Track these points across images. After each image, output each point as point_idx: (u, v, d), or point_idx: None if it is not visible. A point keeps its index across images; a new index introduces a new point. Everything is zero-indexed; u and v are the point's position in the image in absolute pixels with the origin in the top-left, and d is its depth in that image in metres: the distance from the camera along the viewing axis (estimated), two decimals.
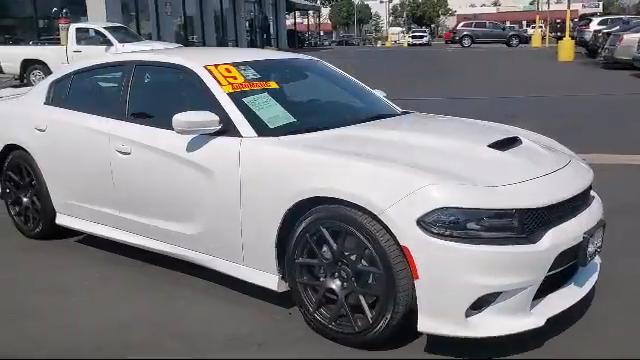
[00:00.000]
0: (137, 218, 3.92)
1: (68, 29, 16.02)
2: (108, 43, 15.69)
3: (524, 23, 79.55)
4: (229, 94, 3.59)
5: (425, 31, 60.62)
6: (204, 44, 26.22)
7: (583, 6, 78.43)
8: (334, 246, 2.98)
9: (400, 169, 2.84)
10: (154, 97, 4.11)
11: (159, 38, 22.38)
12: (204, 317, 3.43)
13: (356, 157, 3.00)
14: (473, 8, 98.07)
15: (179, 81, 3.95)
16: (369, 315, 2.90)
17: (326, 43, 62.00)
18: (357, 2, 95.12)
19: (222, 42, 30.22)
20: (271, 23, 36.26)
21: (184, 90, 3.96)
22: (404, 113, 4.22)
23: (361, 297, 2.94)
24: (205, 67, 3.75)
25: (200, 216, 3.53)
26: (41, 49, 16.54)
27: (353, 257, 2.94)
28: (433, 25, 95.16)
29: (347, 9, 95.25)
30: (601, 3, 79.77)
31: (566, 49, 24.23)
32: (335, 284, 3.03)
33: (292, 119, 3.58)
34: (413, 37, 54.27)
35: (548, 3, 45.30)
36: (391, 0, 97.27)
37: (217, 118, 3.41)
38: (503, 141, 3.35)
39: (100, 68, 4.40)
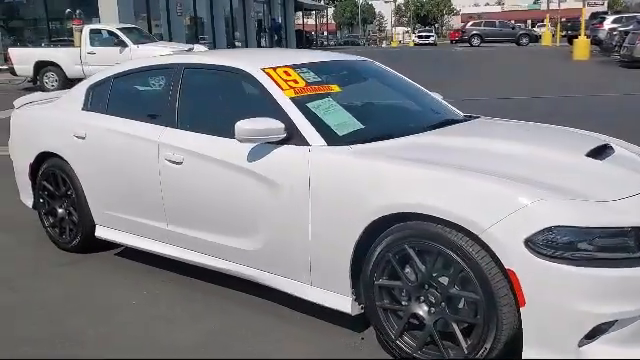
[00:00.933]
0: (188, 232, 3.65)
1: (82, 30, 15.77)
2: (122, 44, 15.43)
3: (529, 22, 79.15)
4: (292, 99, 3.31)
5: (431, 31, 60.37)
6: (214, 45, 25.95)
7: (588, 4, 77.95)
8: (422, 267, 2.70)
9: (504, 183, 2.55)
10: (207, 102, 3.83)
11: (170, 39, 22.15)
12: (272, 340, 3.15)
13: (448, 169, 2.72)
14: (477, 7, 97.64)
15: (235, 85, 3.67)
16: (464, 344, 2.62)
17: (332, 43, 61.66)
18: (361, 2, 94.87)
19: (232, 43, 29.98)
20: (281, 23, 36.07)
21: (240, 95, 3.68)
22: (468, 117, 3.95)
23: (454, 324, 2.66)
24: (263, 70, 3.48)
25: (262, 231, 3.26)
26: (54, 51, 16.29)
27: (444, 280, 2.66)
28: (437, 25, 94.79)
29: (351, 9, 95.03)
30: (606, 1, 79.26)
31: (581, 48, 23.98)
32: (421, 309, 2.76)
33: (360, 125, 3.31)
34: (419, 37, 54.00)
35: (548, 3, 44.81)
36: (396, 0, 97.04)
37: (282, 125, 3.14)
38: (597, 149, 3.06)
39: (143, 71, 4.12)
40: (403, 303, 2.83)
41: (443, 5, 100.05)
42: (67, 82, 15.86)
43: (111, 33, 15.73)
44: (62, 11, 21.63)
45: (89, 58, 15.57)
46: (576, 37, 35.87)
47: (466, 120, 3.78)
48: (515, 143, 3.19)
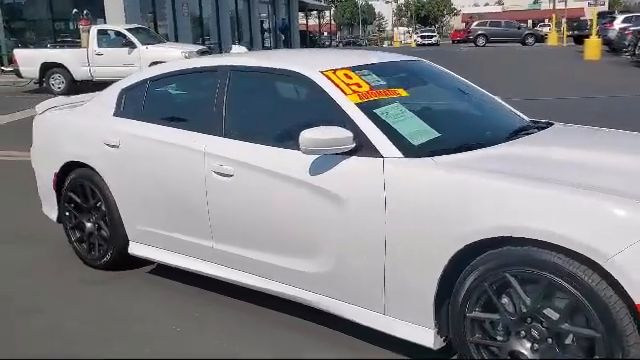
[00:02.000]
0: (238, 251, 3.31)
1: (89, 31, 15.41)
2: (131, 45, 15.07)
3: (529, 22, 78.95)
4: (358, 105, 2.98)
5: (434, 31, 60.09)
6: (220, 46, 25.58)
7: (589, 4, 77.72)
8: (526, 299, 2.36)
9: (628, 205, 2.21)
10: (258, 109, 3.48)
11: (176, 39, 21.81)
12: None
13: (554, 185, 2.37)
14: (477, 7, 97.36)
15: (290, 90, 3.35)
16: None
17: (334, 44, 61.28)
18: (361, 3, 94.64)
19: (239, 43, 29.61)
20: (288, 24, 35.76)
21: (296, 101, 3.36)
22: (534, 122, 3.60)
23: None
24: (322, 73, 3.14)
25: (325, 252, 2.92)
26: (60, 52, 15.91)
27: (553, 314, 2.33)
28: (437, 25, 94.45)
29: (351, 10, 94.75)
30: (606, 1, 78.93)
31: (593, 48, 23.63)
32: (523, 346, 2.42)
33: (435, 134, 2.97)
34: (422, 37, 53.66)
35: (554, 2, 44.46)
36: (397, 0, 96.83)
37: (351, 135, 2.80)
38: None
39: (183, 74, 3.77)
40: (499, 338, 2.49)
41: (443, 5, 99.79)
42: (74, 84, 15.56)
43: (119, 34, 15.38)
44: (66, 12, 21.33)
45: (96, 59, 15.22)
46: (583, 37, 35.78)
47: (542, 127, 3.43)
48: (611, 154, 2.84)
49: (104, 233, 4.08)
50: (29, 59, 15.68)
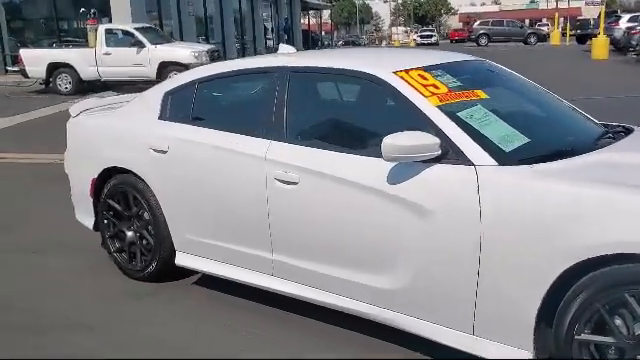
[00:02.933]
0: (302, 264, 3.10)
1: (97, 30, 15.16)
2: (140, 45, 14.81)
3: (527, 22, 78.88)
4: (439, 108, 2.77)
5: (433, 30, 60.02)
6: (224, 46, 25.36)
7: (586, 4, 77.57)
8: None
9: None
10: (325, 112, 3.28)
11: (181, 39, 21.54)
12: None
13: None
14: (473, 7, 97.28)
15: (359, 92, 3.14)
16: None
17: (333, 43, 60.98)
18: (359, 2, 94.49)
19: (242, 43, 29.41)
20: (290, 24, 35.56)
21: (366, 103, 3.14)
22: (606, 125, 3.40)
23: None
24: (396, 74, 2.94)
25: (405, 267, 2.72)
26: (67, 52, 15.65)
27: None
28: (434, 24, 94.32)
29: (348, 9, 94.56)
30: (604, 1, 78.89)
31: (600, 47, 23.47)
32: None
33: (524, 139, 2.76)
34: (421, 37, 53.65)
35: (557, 1, 44.31)
36: None
37: (438, 141, 2.60)
38: None
39: (236, 75, 3.55)
40: None
41: (441, 5, 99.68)
42: (81, 84, 15.32)
43: (127, 33, 15.12)
44: (70, 10, 21.08)
45: (104, 59, 14.97)
46: (585, 36, 35.65)
47: (621, 131, 3.22)
48: None
49: (147, 243, 3.87)
50: (36, 59, 15.42)
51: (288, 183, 3.03)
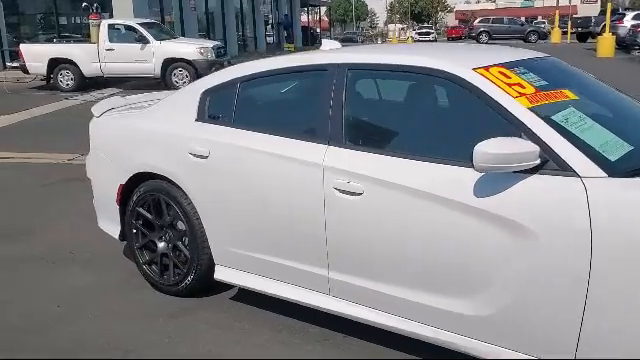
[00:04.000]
0: (364, 283, 2.79)
1: (99, 26, 14.76)
2: (144, 40, 14.42)
3: (522, 19, 78.66)
4: (532, 110, 2.45)
5: (431, 27, 59.86)
6: (225, 42, 24.93)
7: (582, 2, 77.33)
8: None
9: None
10: (392, 114, 2.96)
11: (182, 34, 21.13)
12: None
13: None
14: (469, 5, 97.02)
15: (430, 91, 2.82)
16: None
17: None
18: None
19: (243, 39, 29.01)
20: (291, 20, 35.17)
21: (440, 104, 2.82)
22: None
23: None
24: (475, 71, 2.62)
25: (494, 292, 2.40)
26: (69, 47, 15.22)
27: None
28: (430, 21, 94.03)
29: (344, 6, 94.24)
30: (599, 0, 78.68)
31: (606, 45, 23.24)
32: None
33: (628, 146, 2.45)
34: (419, 34, 53.42)
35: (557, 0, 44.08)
36: None
37: (537, 149, 2.28)
38: None
39: (283, 73, 3.21)
40: None
41: (437, 2, 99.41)
42: (83, 80, 14.94)
43: (131, 28, 14.71)
44: (69, 5, 20.65)
45: (107, 55, 14.58)
46: (586, 34, 35.39)
47: None
48: None
49: (182, 255, 3.55)
50: (36, 55, 15.00)
51: (351, 194, 2.71)
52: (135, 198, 3.66)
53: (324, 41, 3.70)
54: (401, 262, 2.64)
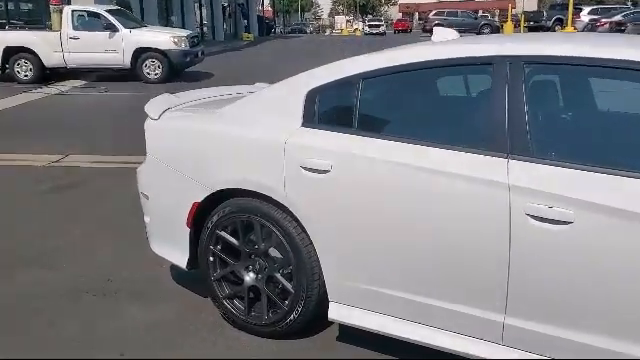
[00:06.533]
0: (557, 331, 2.25)
1: (62, 12, 13.61)
2: (112, 29, 13.37)
3: (479, 12, 79.73)
4: None
5: (381, 20, 59.86)
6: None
7: None
8: None
9: None
10: (595, 119, 2.40)
11: (142, 20, 19.98)
12: None
13: None
14: None
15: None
16: None
17: (279, 31, 59.47)
18: None
19: (201, 28, 27.91)
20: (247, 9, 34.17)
21: None
22: None
23: None
24: None
25: None
26: (27, 35, 13.92)
27: None
28: (375, 14, 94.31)
29: None
30: None
31: None
32: None
33: None
34: (370, 26, 53.36)
35: None
36: None
37: None
38: None
39: (426, 68, 2.59)
40: None
41: None
42: (43, 71, 13.76)
43: (97, 15, 13.62)
44: None
45: (71, 44, 13.47)
46: (538, 29, 35.88)
47: None
48: None
49: (280, 288, 2.93)
50: None
51: (554, 222, 2.16)
52: (216, 219, 3.00)
53: (437, 29, 3.11)
54: (623, 304, 2.12)
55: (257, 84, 4.18)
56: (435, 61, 2.59)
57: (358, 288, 2.69)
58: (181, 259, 3.22)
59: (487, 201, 2.29)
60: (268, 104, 3.00)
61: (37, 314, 3.27)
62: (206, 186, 3.00)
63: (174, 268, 3.77)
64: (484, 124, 2.41)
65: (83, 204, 5.22)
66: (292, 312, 2.88)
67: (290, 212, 2.77)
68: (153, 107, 3.35)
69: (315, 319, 2.90)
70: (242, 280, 3.04)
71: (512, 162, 2.28)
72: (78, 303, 3.40)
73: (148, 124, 3.30)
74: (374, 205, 2.55)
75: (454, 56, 2.56)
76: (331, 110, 2.80)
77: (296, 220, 2.78)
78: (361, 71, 2.73)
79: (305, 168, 2.68)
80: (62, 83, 13.56)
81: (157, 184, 3.27)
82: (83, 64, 13.63)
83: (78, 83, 13.58)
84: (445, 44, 2.73)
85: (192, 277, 3.45)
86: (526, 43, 2.55)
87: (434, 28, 3.22)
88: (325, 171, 2.63)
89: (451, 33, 3.13)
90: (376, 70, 2.70)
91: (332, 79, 2.80)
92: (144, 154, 3.29)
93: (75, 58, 13.52)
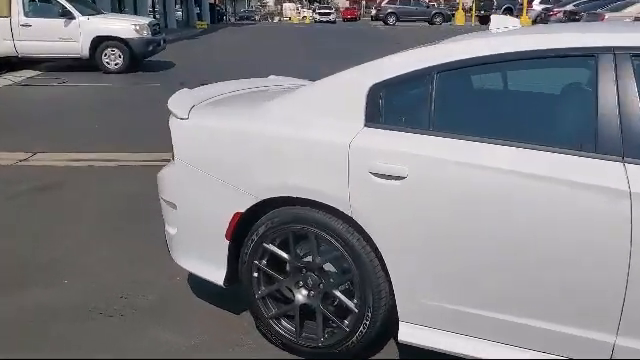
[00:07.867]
0: None
1: None
2: (68, 15, 12.57)
3: (426, 2, 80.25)
4: None
5: (331, 8, 59.63)
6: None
7: None
8: None
9: None
10: None
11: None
12: None
13: None
14: None
15: None
16: None
17: (230, 18, 58.35)
18: None
19: (154, 16, 26.93)
20: None
21: None
22: None
23: None
24: None
25: None
26: None
27: None
28: (323, 2, 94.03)
29: None
30: None
31: None
32: None
33: None
34: (320, 14, 52.95)
35: None
36: None
37: None
38: None
39: (510, 60, 2.32)
40: None
41: None
42: None
43: (50, 1, 12.81)
44: None
45: (23, 32, 12.62)
46: (488, 17, 36.29)
47: None
48: None
49: (337, 306, 2.62)
50: None
51: None
52: (262, 231, 2.67)
53: (494, 17, 2.84)
54: None
55: (271, 77, 3.85)
56: (521, 53, 2.31)
57: (441, 308, 2.40)
58: (217, 275, 2.87)
59: (602, 211, 2.04)
60: (319, 100, 2.66)
61: (52, 344, 2.86)
62: (250, 194, 2.65)
63: (191, 280, 3.43)
64: (587, 124, 2.15)
65: (67, 208, 4.75)
66: (355, 333, 2.58)
67: (354, 222, 2.46)
68: (178, 104, 2.97)
69: (378, 340, 2.62)
70: (291, 298, 2.72)
71: (631, 166, 2.04)
72: (94, 326, 3.01)
73: (176, 124, 2.91)
74: (464, 216, 2.26)
75: (545, 47, 2.29)
76: (400, 107, 2.50)
77: (359, 231, 2.48)
78: (435, 63, 2.42)
79: (375, 174, 2.38)
80: (15, 73, 12.71)
81: (188, 192, 2.89)
82: (37, 53, 12.81)
83: (33, 73, 12.76)
84: (525, 33, 2.46)
85: (212, 290, 3.09)
86: (629, 33, 2.30)
87: (492, 16, 2.94)
88: (401, 177, 2.33)
89: (511, 20, 2.86)
90: (452, 62, 2.40)
91: (399, 73, 2.48)
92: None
93: (27, 47, 12.69)
